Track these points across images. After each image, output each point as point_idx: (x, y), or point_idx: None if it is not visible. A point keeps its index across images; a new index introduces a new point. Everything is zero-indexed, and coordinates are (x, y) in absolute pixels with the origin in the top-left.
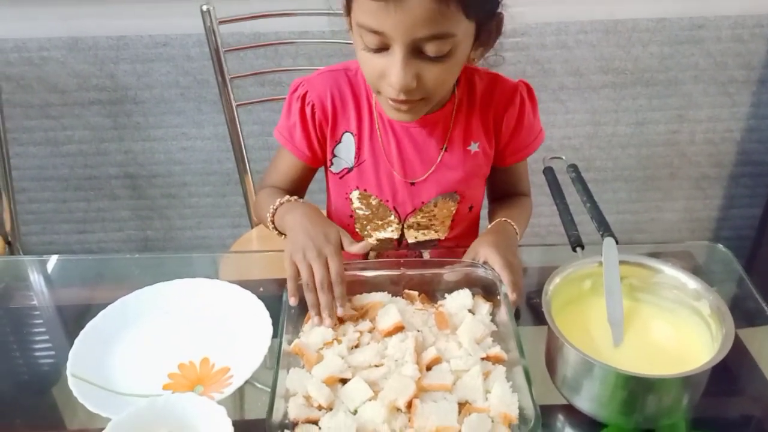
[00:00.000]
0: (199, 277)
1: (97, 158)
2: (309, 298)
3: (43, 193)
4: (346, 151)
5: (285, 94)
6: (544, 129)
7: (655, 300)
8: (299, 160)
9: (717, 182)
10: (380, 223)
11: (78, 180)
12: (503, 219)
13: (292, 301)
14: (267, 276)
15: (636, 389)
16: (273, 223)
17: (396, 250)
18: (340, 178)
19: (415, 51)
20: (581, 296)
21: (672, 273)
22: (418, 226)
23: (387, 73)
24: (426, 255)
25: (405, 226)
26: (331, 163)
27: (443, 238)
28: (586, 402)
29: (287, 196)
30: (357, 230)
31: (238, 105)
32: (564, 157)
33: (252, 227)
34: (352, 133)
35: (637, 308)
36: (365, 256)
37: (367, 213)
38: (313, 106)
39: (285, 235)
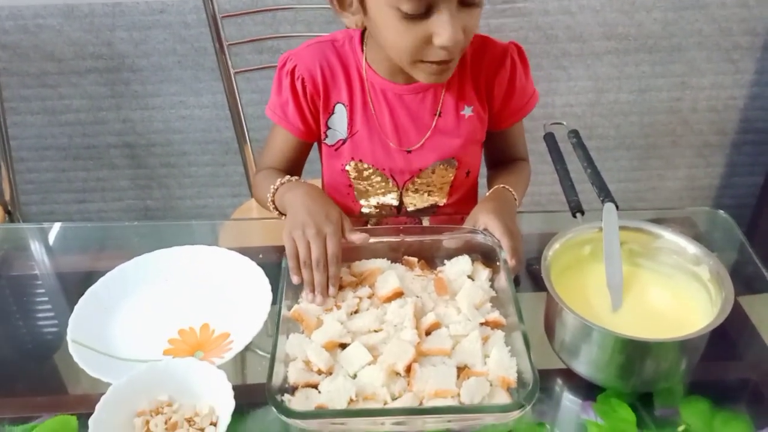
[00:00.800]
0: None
1: (95, 127)
2: (305, 274)
3: (42, 162)
4: (339, 122)
5: None
6: (546, 96)
7: (654, 265)
8: (294, 136)
9: (719, 150)
10: (379, 190)
11: (77, 149)
12: (502, 186)
13: (295, 279)
14: (267, 243)
15: (634, 353)
16: (273, 203)
17: (396, 216)
18: (335, 150)
19: (459, 3)
20: (580, 262)
21: (671, 238)
22: (417, 194)
23: (436, 33)
24: (426, 222)
25: (403, 193)
26: (326, 136)
27: (442, 204)
28: (584, 366)
29: (287, 177)
30: (356, 199)
31: (236, 72)
32: (565, 123)
33: (252, 196)
34: (344, 104)
35: (636, 273)
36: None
37: (364, 183)
38: (303, 79)
39: (285, 215)
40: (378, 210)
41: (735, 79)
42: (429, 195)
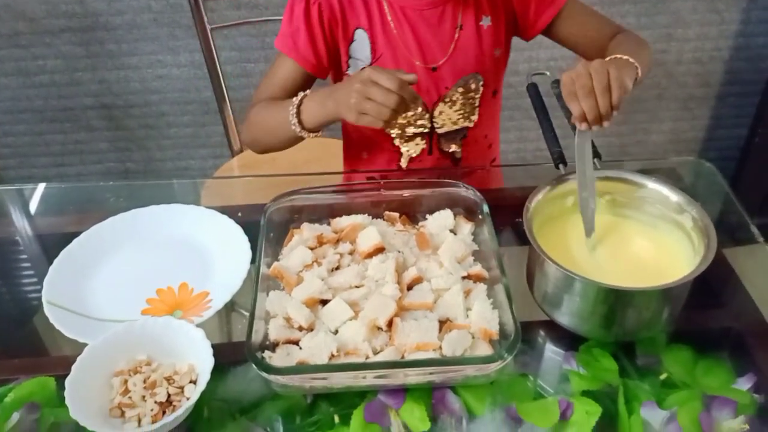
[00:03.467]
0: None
1: (70, 89)
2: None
3: (18, 126)
4: (360, 49)
5: (261, 17)
6: (530, 50)
7: (637, 215)
8: (302, 68)
9: (704, 102)
10: (410, 115)
11: (53, 111)
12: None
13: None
14: (249, 201)
15: (616, 302)
16: (298, 116)
17: (428, 154)
18: None
19: None
20: (563, 213)
21: (654, 187)
22: (446, 116)
23: None
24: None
25: (434, 117)
26: (348, 66)
27: (472, 125)
28: (566, 317)
29: (300, 94)
30: (387, 132)
31: (213, 29)
32: (548, 73)
33: (233, 156)
34: (363, 29)
35: (618, 223)
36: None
37: None
38: (319, 5)
39: (311, 131)
40: (409, 142)
41: (720, 30)
42: (458, 115)
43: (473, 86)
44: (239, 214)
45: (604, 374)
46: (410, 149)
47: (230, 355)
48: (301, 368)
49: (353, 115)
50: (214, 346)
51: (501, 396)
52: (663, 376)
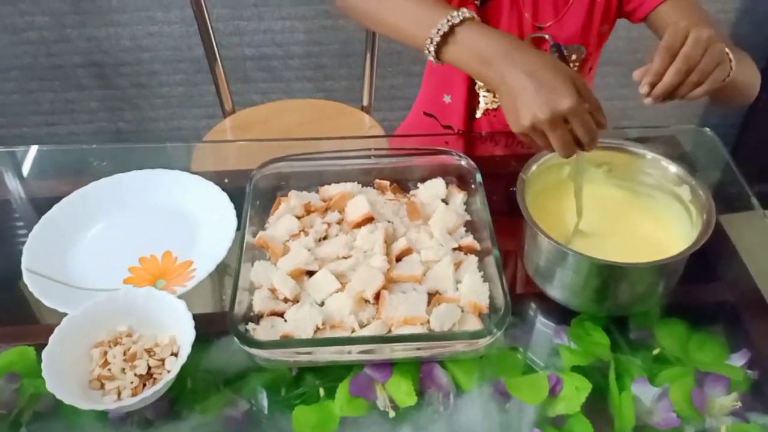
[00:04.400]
0: (173, 168)
1: (60, 46)
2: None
3: (7, 83)
4: None
5: None
6: None
7: (634, 186)
8: None
9: None
10: None
11: (42, 69)
12: None
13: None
14: (242, 166)
15: (610, 278)
16: (440, 44)
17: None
18: None
19: None
20: (559, 184)
21: (653, 157)
22: None
23: None
24: None
25: None
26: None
27: None
28: (558, 291)
29: (460, 12)
30: (476, 89)
31: None
32: (548, 36)
33: (225, 117)
34: None
35: (615, 194)
36: None
37: None
38: None
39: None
40: (491, 92)
41: None
42: None
43: (574, 57)
44: (226, 180)
45: (595, 349)
46: (490, 101)
47: (214, 326)
48: (284, 342)
49: (521, 124)
50: (197, 317)
51: (490, 370)
52: (656, 351)
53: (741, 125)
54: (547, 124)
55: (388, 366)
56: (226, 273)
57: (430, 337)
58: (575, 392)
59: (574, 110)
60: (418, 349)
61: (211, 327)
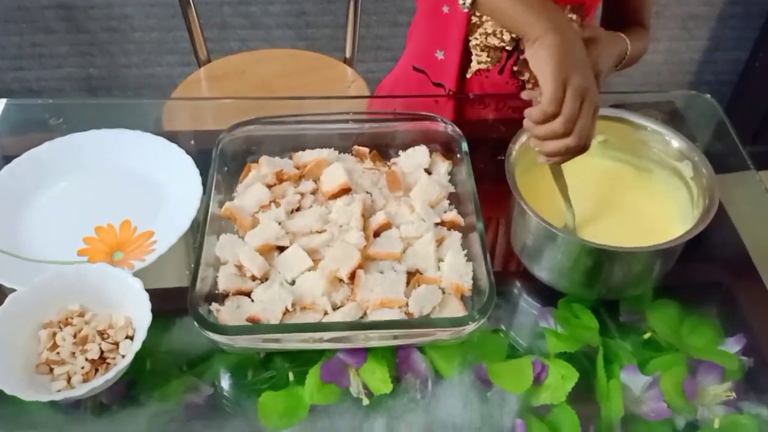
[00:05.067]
0: (139, 126)
1: None
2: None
3: None
4: None
5: None
6: None
7: (632, 159)
8: None
9: (704, 22)
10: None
11: (7, 11)
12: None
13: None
14: (213, 125)
15: (601, 262)
16: None
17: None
18: None
19: None
20: None
21: (654, 129)
22: None
23: None
24: (527, 89)
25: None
26: None
27: None
28: (546, 272)
29: None
30: (470, 47)
31: None
32: None
33: (200, 66)
34: None
35: (610, 168)
36: None
37: (478, 19)
38: None
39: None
40: (484, 52)
41: None
42: None
43: (575, 17)
44: (192, 142)
45: (583, 333)
46: (483, 60)
47: (176, 302)
48: (248, 328)
49: (563, 71)
50: (158, 291)
51: (471, 355)
52: (646, 336)
53: (737, 83)
54: (580, 91)
55: (363, 351)
56: (183, 246)
57: (408, 323)
58: (561, 381)
59: (594, 98)
60: (395, 337)
61: (173, 303)
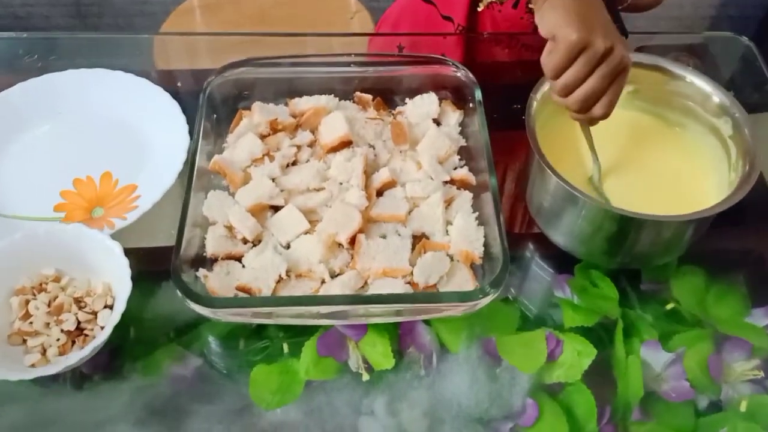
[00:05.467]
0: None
1: None
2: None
3: None
4: None
5: None
6: None
7: (664, 112)
8: None
9: None
10: None
11: None
12: None
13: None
14: (203, 64)
15: (627, 229)
16: None
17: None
18: None
19: None
20: None
21: (690, 79)
22: None
23: None
24: None
25: None
26: None
27: None
28: (564, 237)
29: None
30: None
31: None
32: None
33: None
34: None
35: (640, 122)
36: None
37: None
38: None
39: None
40: None
41: None
42: None
43: None
44: (179, 84)
45: (601, 304)
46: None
47: (161, 264)
48: (236, 301)
49: (584, 30)
50: (142, 252)
51: (479, 327)
52: (669, 306)
53: (762, 20)
54: (600, 55)
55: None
56: (169, 202)
57: (412, 298)
58: (576, 358)
59: (626, 67)
60: (398, 313)
61: (158, 265)
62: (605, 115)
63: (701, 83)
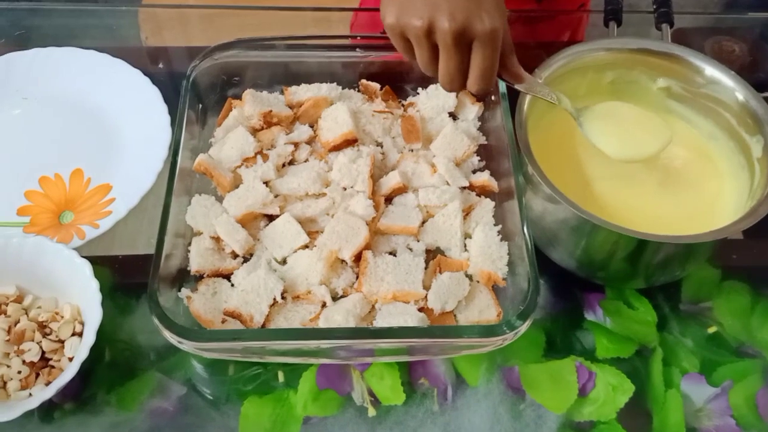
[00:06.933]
0: (96, 42)
1: None
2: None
3: None
4: None
5: None
6: None
7: (696, 118)
8: None
9: None
10: None
11: None
12: None
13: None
14: (193, 41)
15: (641, 253)
16: None
17: None
18: None
19: None
20: (593, 92)
21: (729, 85)
22: None
23: None
24: None
25: None
26: None
27: None
28: (575, 263)
29: None
30: None
31: None
32: None
33: None
34: None
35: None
36: None
37: None
38: None
39: None
40: None
41: None
42: None
43: None
44: (160, 65)
45: (637, 329)
46: None
47: (139, 276)
48: (222, 334)
49: (404, 17)
50: (118, 261)
51: (500, 355)
52: (711, 329)
53: None
54: (425, 31)
55: (369, 349)
56: (148, 206)
57: (427, 332)
58: (611, 394)
59: (497, 35)
60: (409, 350)
61: (135, 276)
62: (483, 90)
63: (735, 87)
